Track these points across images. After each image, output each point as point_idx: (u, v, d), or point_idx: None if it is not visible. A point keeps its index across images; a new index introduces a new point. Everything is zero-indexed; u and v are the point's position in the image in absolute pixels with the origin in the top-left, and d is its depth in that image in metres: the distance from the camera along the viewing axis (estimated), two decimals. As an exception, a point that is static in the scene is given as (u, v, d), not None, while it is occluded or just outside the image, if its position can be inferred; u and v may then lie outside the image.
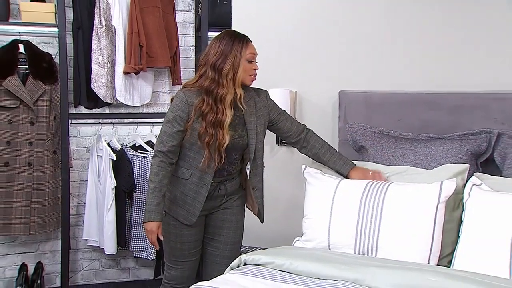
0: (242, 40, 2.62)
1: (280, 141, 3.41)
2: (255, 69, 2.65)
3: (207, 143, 2.55)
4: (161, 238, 2.62)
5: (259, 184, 2.80)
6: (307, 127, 2.88)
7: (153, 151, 3.01)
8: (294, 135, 2.83)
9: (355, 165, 2.83)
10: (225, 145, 2.57)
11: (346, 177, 2.82)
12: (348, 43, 3.31)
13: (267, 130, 2.81)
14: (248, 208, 2.89)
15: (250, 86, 2.72)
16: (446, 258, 2.50)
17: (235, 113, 2.65)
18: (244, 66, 2.60)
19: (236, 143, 2.67)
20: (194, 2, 4.08)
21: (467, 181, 2.60)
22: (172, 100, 2.67)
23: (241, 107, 2.62)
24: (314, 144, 2.85)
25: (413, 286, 2.07)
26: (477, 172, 2.73)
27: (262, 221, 2.87)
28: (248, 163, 2.76)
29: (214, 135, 2.55)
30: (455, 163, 2.72)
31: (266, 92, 2.82)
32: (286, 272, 2.29)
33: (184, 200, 2.67)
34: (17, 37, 3.67)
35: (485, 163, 2.84)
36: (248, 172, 2.78)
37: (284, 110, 2.86)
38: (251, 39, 2.66)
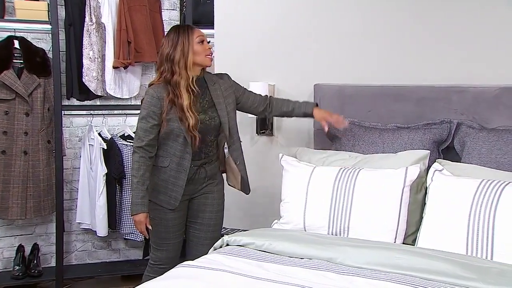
0: (186, 28, 2.64)
1: (260, 131, 3.41)
2: (209, 48, 2.65)
3: (186, 127, 2.56)
4: (150, 227, 2.62)
5: (240, 157, 2.82)
6: (268, 96, 2.93)
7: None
8: (259, 105, 2.87)
9: (317, 104, 2.91)
10: (191, 125, 2.54)
11: (312, 115, 2.88)
12: (322, 40, 3.32)
13: (237, 111, 2.83)
14: (232, 186, 2.90)
15: (212, 72, 2.75)
16: (410, 237, 2.54)
17: (203, 98, 2.67)
18: (197, 49, 2.60)
19: (208, 125, 2.67)
20: (179, 1, 4.05)
21: (428, 166, 2.65)
22: (142, 100, 2.67)
23: (194, 89, 2.59)
24: (277, 103, 2.91)
25: (382, 264, 2.10)
26: (439, 158, 2.77)
27: (248, 192, 2.89)
28: (225, 143, 2.77)
29: (184, 119, 2.56)
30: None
31: (227, 74, 2.83)
32: (266, 252, 2.30)
33: (165, 186, 2.67)
34: (12, 34, 3.62)
35: (446, 150, 2.88)
36: (226, 150, 2.80)
37: (245, 88, 2.90)
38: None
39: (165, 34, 2.69)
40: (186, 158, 2.63)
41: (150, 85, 2.69)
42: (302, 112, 2.90)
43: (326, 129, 2.89)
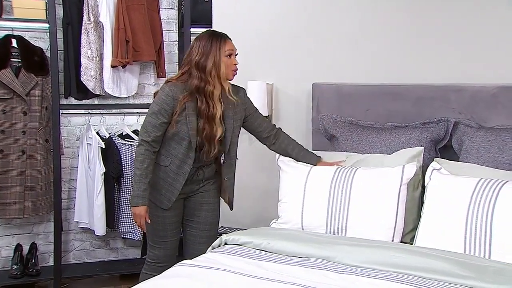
0: (220, 38, 2.59)
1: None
2: (235, 64, 2.62)
3: (205, 137, 2.56)
4: (149, 221, 2.62)
5: (231, 174, 2.79)
6: (277, 126, 2.88)
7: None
8: (264, 131, 2.82)
9: (321, 158, 2.84)
10: (217, 136, 2.57)
11: None
12: (321, 40, 3.32)
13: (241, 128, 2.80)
14: (221, 197, 2.87)
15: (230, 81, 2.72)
16: (408, 235, 2.55)
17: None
18: (225, 62, 2.58)
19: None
20: (177, 0, 4.05)
21: (426, 164, 2.65)
22: (155, 94, 2.65)
23: (233, 99, 2.61)
24: (283, 140, 2.84)
25: (380, 262, 2.11)
26: (436, 157, 2.78)
27: (231, 208, 2.86)
28: (223, 154, 2.76)
29: (210, 129, 2.56)
30: (416, 149, 2.77)
31: (243, 89, 2.80)
32: (264, 251, 2.31)
33: (162, 185, 2.66)
34: (10, 32, 3.61)
35: (444, 149, 2.89)
36: (222, 162, 2.79)
37: (257, 109, 2.85)
38: (230, 35, 2.65)
39: (197, 37, 2.62)
40: (187, 162, 2.63)
41: (167, 81, 2.65)
42: (306, 162, 2.83)
43: None
